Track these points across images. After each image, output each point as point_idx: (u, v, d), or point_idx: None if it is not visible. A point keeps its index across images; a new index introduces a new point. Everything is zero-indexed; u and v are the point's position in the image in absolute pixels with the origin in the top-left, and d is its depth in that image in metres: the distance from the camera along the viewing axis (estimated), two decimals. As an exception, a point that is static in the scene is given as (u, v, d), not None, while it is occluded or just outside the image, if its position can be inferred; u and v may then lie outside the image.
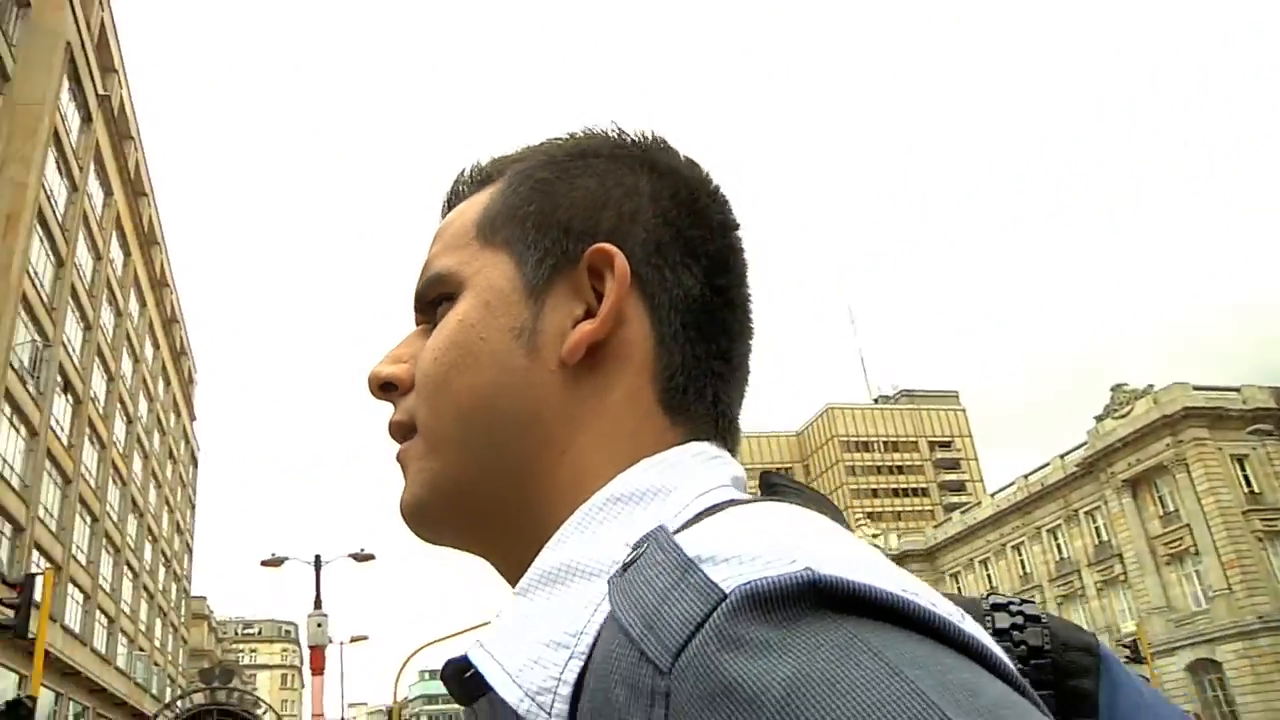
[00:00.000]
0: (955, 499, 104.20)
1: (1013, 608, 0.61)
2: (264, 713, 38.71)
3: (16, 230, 31.15)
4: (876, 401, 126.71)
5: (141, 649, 49.79)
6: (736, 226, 0.72)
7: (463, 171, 0.76)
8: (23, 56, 33.10)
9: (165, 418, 57.64)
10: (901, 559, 61.75)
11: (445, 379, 0.66)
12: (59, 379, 36.27)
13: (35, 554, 33.07)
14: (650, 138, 0.72)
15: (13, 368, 31.36)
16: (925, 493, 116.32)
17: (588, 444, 0.63)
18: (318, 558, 24.40)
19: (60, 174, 35.69)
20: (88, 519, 40.62)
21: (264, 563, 26.99)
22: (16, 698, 21.29)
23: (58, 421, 36.44)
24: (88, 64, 37.25)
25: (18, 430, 32.64)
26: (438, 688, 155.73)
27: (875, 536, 65.93)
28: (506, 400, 0.64)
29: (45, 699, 35.66)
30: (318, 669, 22.15)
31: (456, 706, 0.57)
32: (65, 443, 37.40)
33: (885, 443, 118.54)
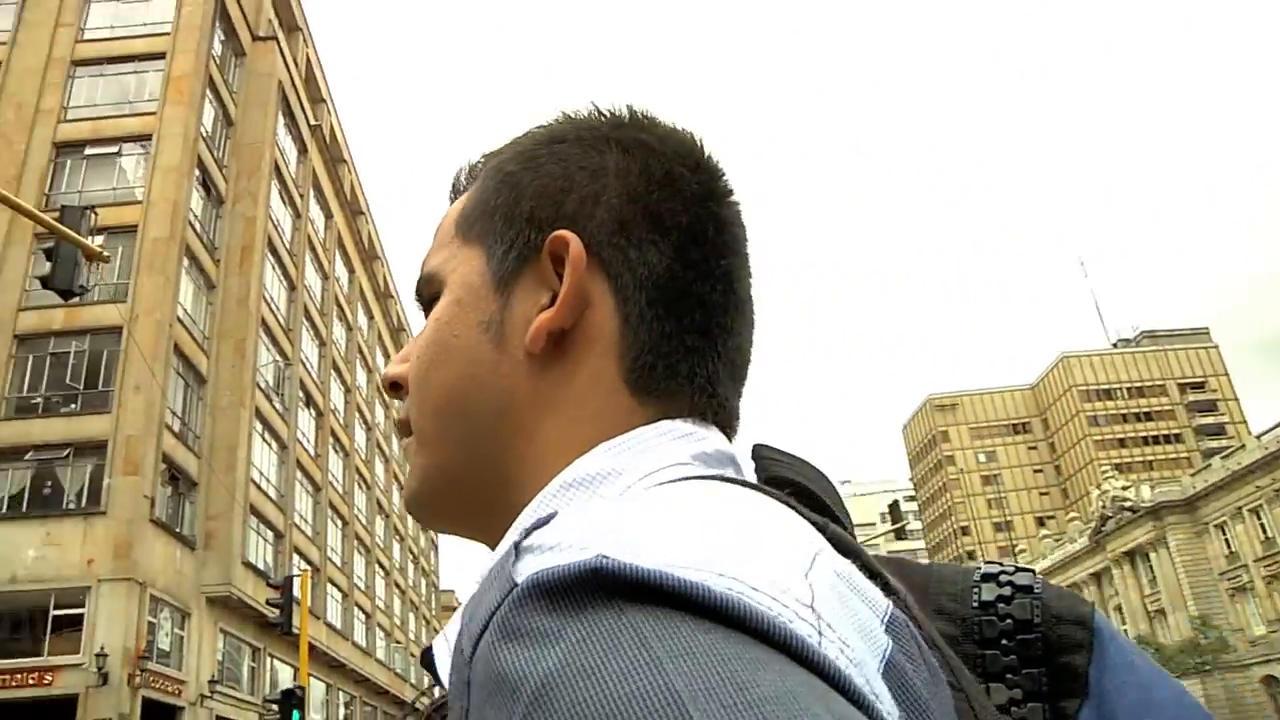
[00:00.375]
0: (1214, 444, 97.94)
1: (1003, 577, 0.58)
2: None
3: (251, 260, 33.61)
4: (1116, 346, 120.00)
5: (398, 641, 53.09)
6: (723, 195, 0.70)
7: (460, 169, 0.78)
8: (243, 100, 35.66)
9: (402, 422, 60.79)
10: (1157, 511, 58.44)
11: (425, 377, 0.69)
12: (301, 394, 38.91)
13: (295, 557, 35.64)
14: (624, 114, 0.71)
15: (260, 388, 33.89)
16: (1178, 439, 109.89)
17: (554, 429, 0.64)
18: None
19: (284, 203, 38.21)
20: (338, 523, 43.46)
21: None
22: (290, 688, 23.13)
23: (304, 434, 39.09)
24: (299, 99, 39.73)
25: (270, 445, 35.22)
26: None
27: (1125, 489, 62.63)
28: (477, 392, 0.66)
29: (318, 689, 38.55)
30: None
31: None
32: (312, 453, 40.10)
33: (1129, 389, 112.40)
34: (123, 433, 27.07)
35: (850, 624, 0.42)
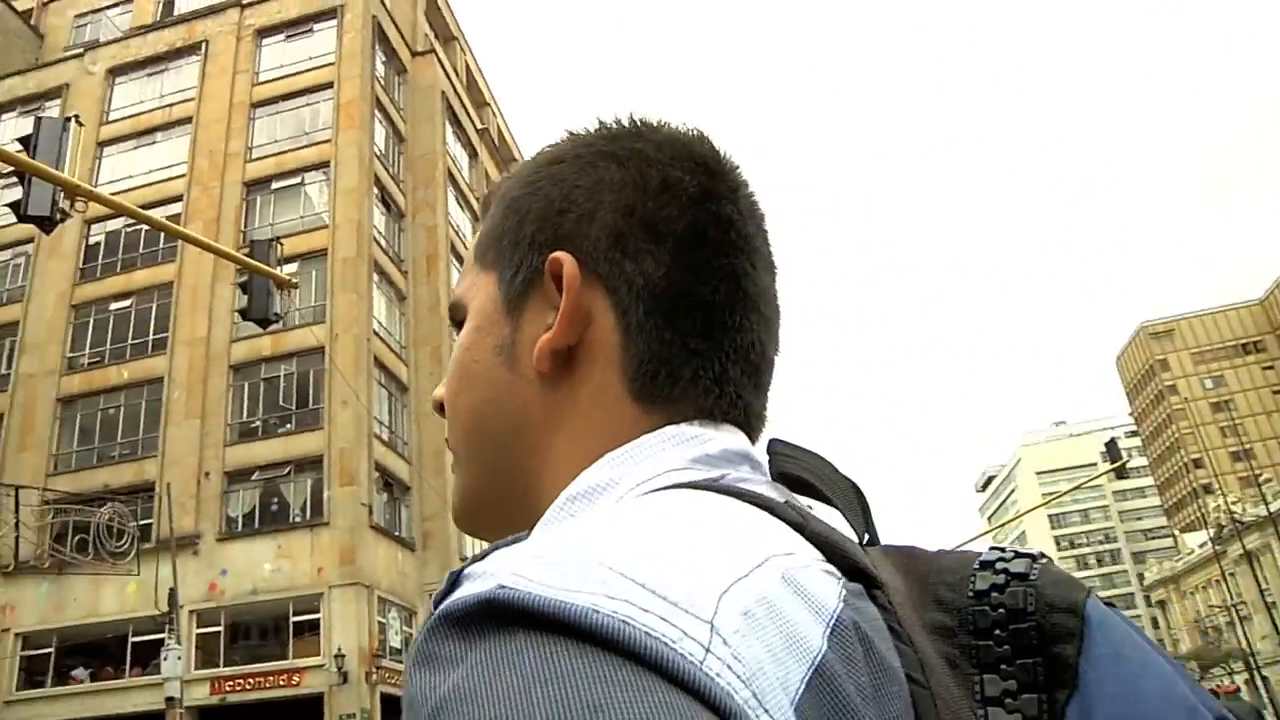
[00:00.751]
0: None
1: (999, 565, 0.55)
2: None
3: (436, 269, 35.00)
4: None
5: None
6: (727, 193, 0.71)
7: (485, 195, 0.80)
8: (410, 116, 37.08)
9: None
10: None
11: (453, 402, 0.73)
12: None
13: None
14: (623, 124, 0.73)
15: (458, 389, 35.37)
16: None
17: (565, 444, 0.67)
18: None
19: (461, 208, 39.52)
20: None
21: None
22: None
23: (504, 429, 40.51)
24: (463, 106, 40.95)
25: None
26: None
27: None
28: (495, 414, 0.70)
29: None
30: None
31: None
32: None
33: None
34: (336, 446, 28.77)
35: (770, 637, 0.44)
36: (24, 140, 11.04)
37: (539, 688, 0.38)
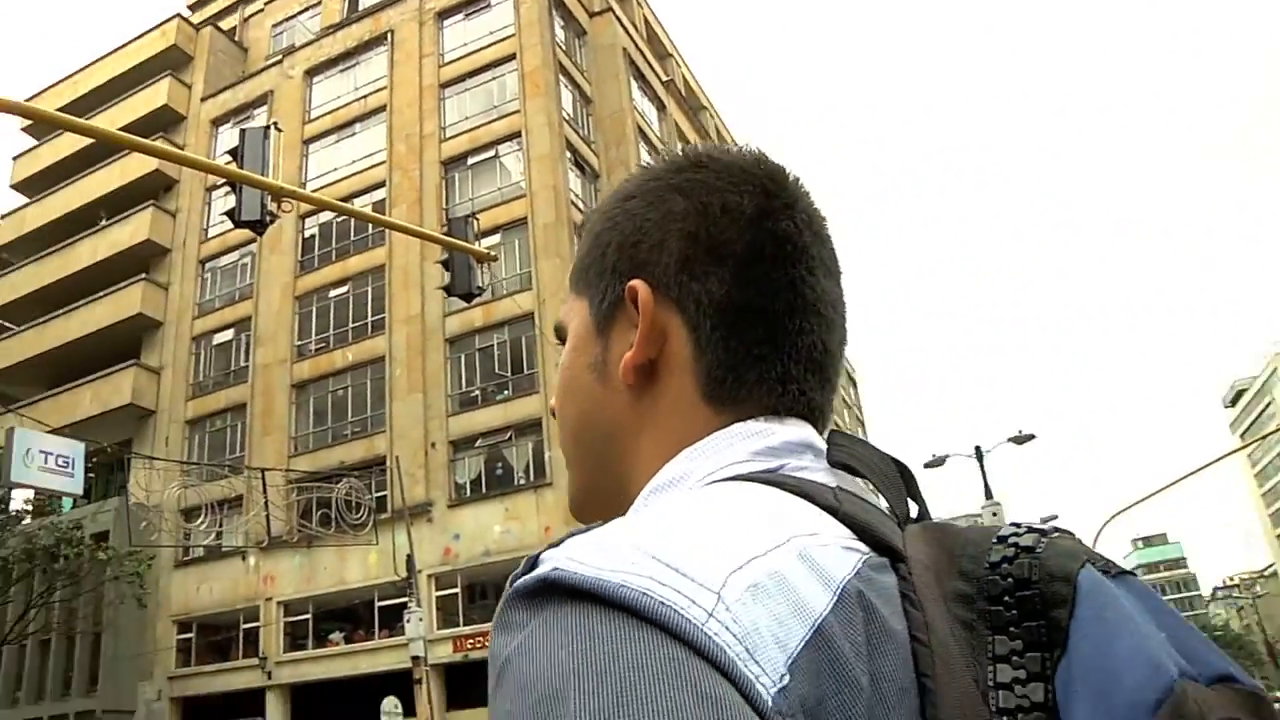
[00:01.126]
0: None
1: (1012, 539, 0.62)
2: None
3: (636, 224, 35.07)
4: None
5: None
6: (782, 210, 0.79)
7: (580, 225, 1.04)
8: (594, 76, 37.24)
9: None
10: None
11: (561, 413, 0.84)
12: (708, 342, 40.15)
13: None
14: (688, 158, 0.82)
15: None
16: None
17: (650, 445, 0.77)
18: (978, 449, 24.31)
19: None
20: (770, 454, 44.58)
21: (926, 465, 27.47)
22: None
23: (721, 376, 40.34)
24: (645, 60, 40.74)
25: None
26: (1155, 555, 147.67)
27: None
28: (592, 423, 0.81)
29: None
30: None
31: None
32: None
33: None
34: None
35: (775, 605, 0.54)
36: (232, 152, 11.71)
37: (576, 643, 0.51)
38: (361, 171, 35.05)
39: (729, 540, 0.58)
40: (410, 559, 25.29)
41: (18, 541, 30.21)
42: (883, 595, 0.59)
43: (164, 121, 39.40)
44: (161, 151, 14.45)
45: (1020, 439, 26.45)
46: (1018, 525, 0.64)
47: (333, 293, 33.67)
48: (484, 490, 29.97)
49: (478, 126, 33.76)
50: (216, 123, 38.74)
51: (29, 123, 41.40)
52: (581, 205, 33.61)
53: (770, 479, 0.67)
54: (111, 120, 38.72)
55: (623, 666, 0.49)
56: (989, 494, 23.26)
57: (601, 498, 0.81)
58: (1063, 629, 0.57)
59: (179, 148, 36.93)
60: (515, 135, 33.05)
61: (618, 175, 35.76)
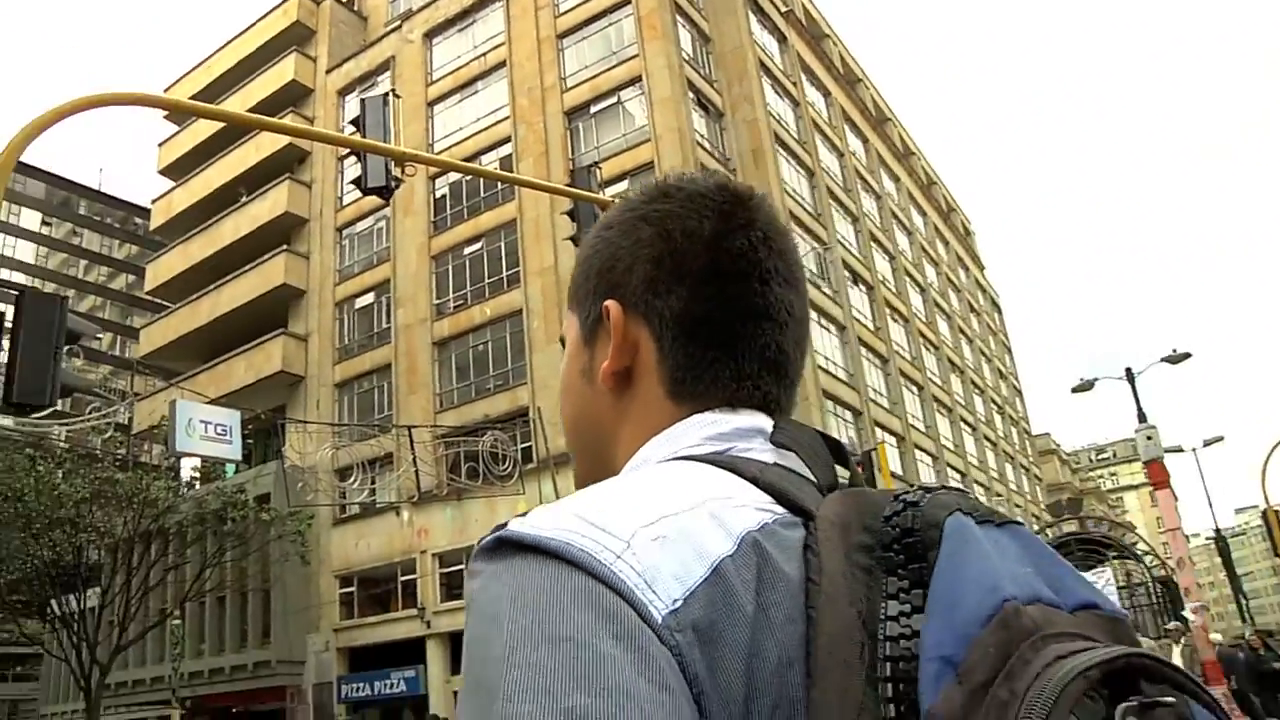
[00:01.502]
0: None
1: (906, 497, 0.72)
2: (1123, 535, 38.22)
3: (764, 160, 34.56)
4: None
5: (998, 494, 52.38)
6: (738, 230, 0.90)
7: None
8: (711, 13, 36.61)
9: (955, 276, 59.68)
10: None
11: (561, 413, 0.99)
12: (846, 274, 39.47)
13: (877, 432, 36.44)
14: (658, 189, 0.94)
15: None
16: None
17: (627, 437, 0.90)
18: (1128, 370, 23.34)
19: (780, 96, 38.73)
20: (913, 390, 43.77)
21: (1074, 389, 26.53)
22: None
23: (859, 311, 39.71)
24: (761, -10, 39.80)
25: (828, 330, 36.21)
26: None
27: None
28: (584, 420, 0.94)
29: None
30: (1160, 483, 21.37)
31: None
32: (871, 328, 40.64)
33: None
34: (690, 353, 29.22)
35: (679, 550, 0.67)
36: (354, 121, 11.95)
37: (514, 581, 0.65)
38: (487, 129, 35.27)
39: (649, 503, 0.71)
40: (558, 507, 25.54)
41: (189, 507, 31.79)
42: (781, 545, 0.70)
43: (293, 96, 40.41)
44: (288, 129, 14.82)
45: (1175, 358, 25.38)
46: (910, 486, 0.75)
47: (467, 250, 34.10)
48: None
49: (598, 74, 33.58)
50: (342, 93, 39.47)
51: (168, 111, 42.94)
52: (707, 146, 33.20)
53: (707, 458, 0.80)
54: (244, 100, 39.93)
55: (544, 595, 0.64)
56: (1142, 417, 22.17)
57: (597, 480, 0.87)
58: (931, 567, 0.67)
59: (308, 121, 37.95)
60: (636, 80, 32.75)
61: (742, 112, 35.29)
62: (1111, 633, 0.68)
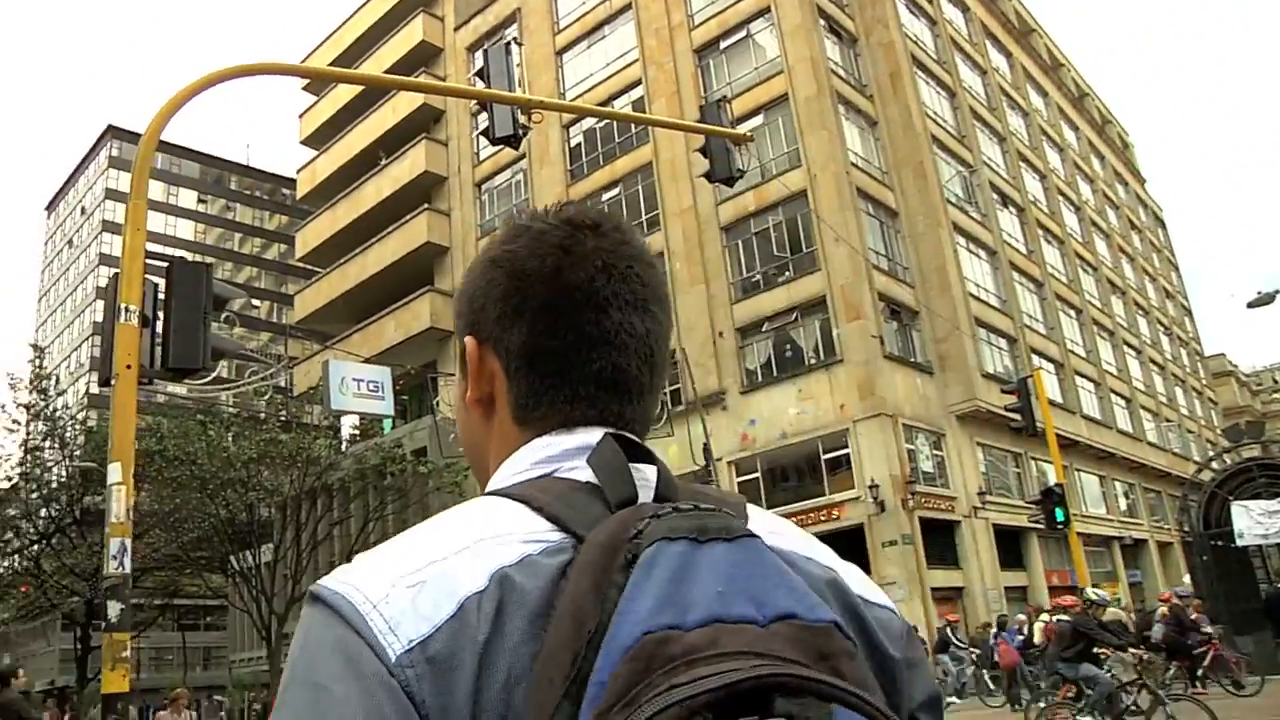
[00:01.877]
0: None
1: (640, 525, 0.75)
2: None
3: (902, 83, 33.40)
4: None
5: (1168, 420, 50.11)
6: (578, 263, 0.94)
7: None
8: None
9: (1113, 192, 56.84)
10: None
11: (458, 430, 1.09)
12: (995, 196, 38.02)
13: (1035, 358, 35.12)
14: (511, 231, 1.00)
15: (951, 203, 33.70)
16: None
17: (493, 459, 0.98)
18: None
19: (915, 16, 37.29)
20: (1071, 313, 41.98)
21: (1250, 304, 24.97)
22: (1049, 486, 22.70)
23: (1010, 234, 38.21)
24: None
25: (978, 255, 35.03)
26: None
27: None
28: (468, 441, 1.04)
29: (1090, 483, 37.81)
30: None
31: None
32: (1024, 251, 39.09)
33: None
34: (835, 284, 28.73)
35: (433, 594, 0.75)
36: (479, 73, 11.93)
37: (302, 629, 0.77)
38: (617, 73, 35.03)
39: (425, 550, 0.79)
40: (707, 448, 25.47)
41: (350, 464, 32.80)
42: (536, 573, 0.76)
43: (424, 57, 40.85)
44: (417, 85, 14.81)
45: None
46: (658, 505, 0.79)
47: (605, 196, 33.90)
48: (775, 374, 29.76)
49: (725, 8, 32.93)
50: (471, 49, 39.53)
51: (307, 81, 43.93)
52: (842, 73, 32.22)
53: (509, 490, 0.86)
54: (376, 65, 40.54)
55: (313, 643, 0.75)
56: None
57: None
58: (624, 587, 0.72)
59: (440, 79, 38.18)
60: (764, 11, 32.01)
61: (877, 35, 34.17)
62: (807, 643, 0.68)
